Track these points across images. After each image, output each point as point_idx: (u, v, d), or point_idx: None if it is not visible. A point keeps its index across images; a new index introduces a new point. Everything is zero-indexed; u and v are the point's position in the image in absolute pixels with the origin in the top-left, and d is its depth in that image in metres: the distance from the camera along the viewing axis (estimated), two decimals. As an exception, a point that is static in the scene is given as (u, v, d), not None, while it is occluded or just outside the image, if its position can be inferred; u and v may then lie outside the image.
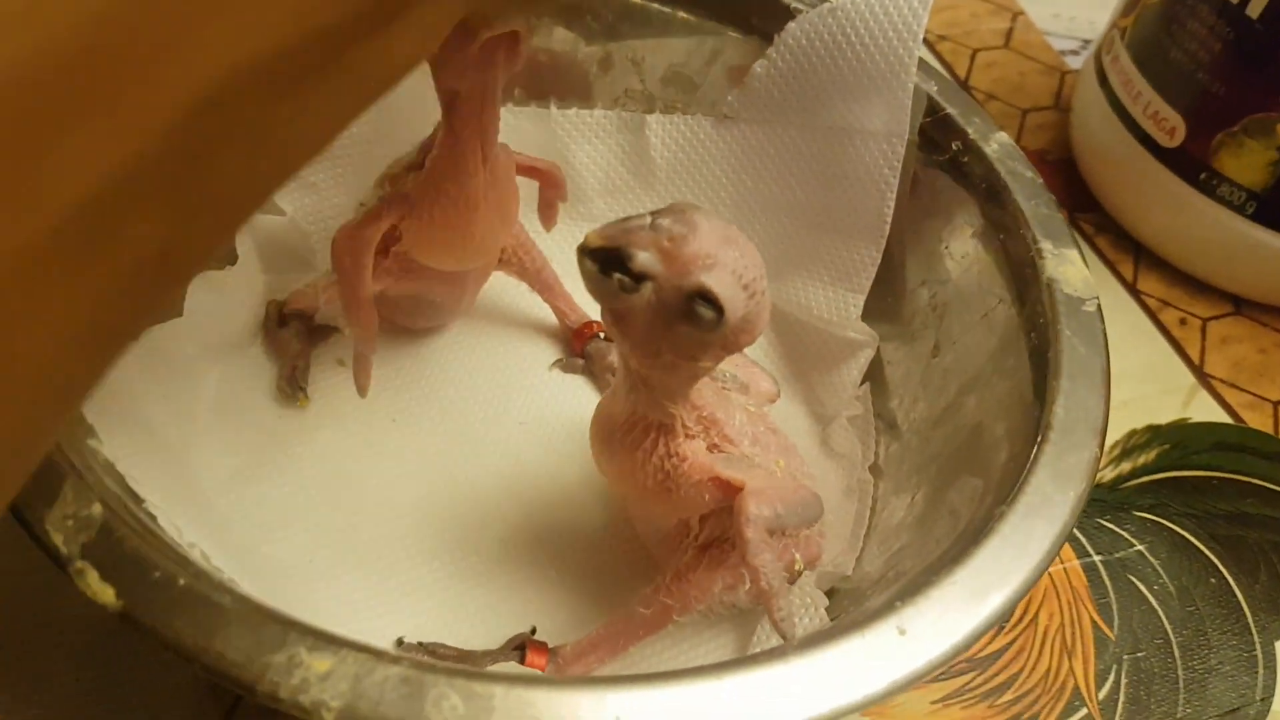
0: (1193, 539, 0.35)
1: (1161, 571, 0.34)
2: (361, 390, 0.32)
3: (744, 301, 0.22)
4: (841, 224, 0.35)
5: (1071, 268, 0.30)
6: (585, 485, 0.33)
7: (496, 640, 0.29)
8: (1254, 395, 0.40)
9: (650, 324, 0.23)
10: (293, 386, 0.34)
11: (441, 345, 0.37)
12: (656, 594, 0.27)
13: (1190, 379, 0.40)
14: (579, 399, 0.36)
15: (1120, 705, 0.31)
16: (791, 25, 0.35)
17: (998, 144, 0.33)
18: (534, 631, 0.29)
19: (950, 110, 0.34)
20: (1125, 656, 0.32)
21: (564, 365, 0.37)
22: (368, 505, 0.32)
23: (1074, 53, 0.53)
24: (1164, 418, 0.38)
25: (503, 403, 0.35)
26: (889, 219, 0.34)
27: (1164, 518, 0.36)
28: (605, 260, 0.22)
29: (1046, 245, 0.30)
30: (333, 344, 0.35)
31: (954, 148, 0.34)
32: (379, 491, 0.32)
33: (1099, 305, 0.29)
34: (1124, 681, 0.32)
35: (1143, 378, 0.40)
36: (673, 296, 0.22)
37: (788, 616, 0.25)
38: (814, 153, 0.36)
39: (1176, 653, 0.33)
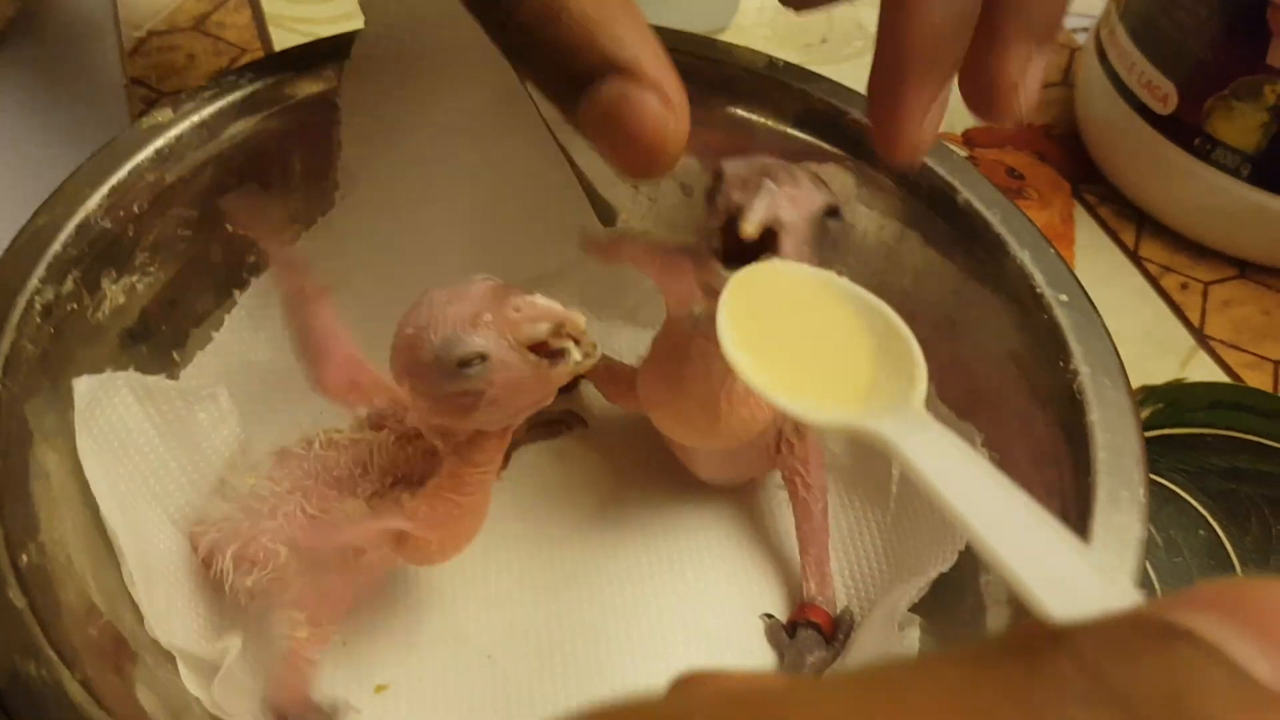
0: (1183, 493, 0.36)
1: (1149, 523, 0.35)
2: None
3: None
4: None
5: None
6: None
7: None
8: (1255, 355, 0.40)
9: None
10: None
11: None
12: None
13: (1189, 341, 0.41)
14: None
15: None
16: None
17: None
18: None
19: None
20: (1110, 605, 0.33)
21: None
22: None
23: (1086, 30, 0.54)
24: (1160, 378, 0.39)
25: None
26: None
27: (1155, 473, 0.36)
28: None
29: None
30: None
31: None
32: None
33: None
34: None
35: (1140, 341, 0.40)
36: (809, 226, 0.26)
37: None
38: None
39: (1162, 601, 0.33)
